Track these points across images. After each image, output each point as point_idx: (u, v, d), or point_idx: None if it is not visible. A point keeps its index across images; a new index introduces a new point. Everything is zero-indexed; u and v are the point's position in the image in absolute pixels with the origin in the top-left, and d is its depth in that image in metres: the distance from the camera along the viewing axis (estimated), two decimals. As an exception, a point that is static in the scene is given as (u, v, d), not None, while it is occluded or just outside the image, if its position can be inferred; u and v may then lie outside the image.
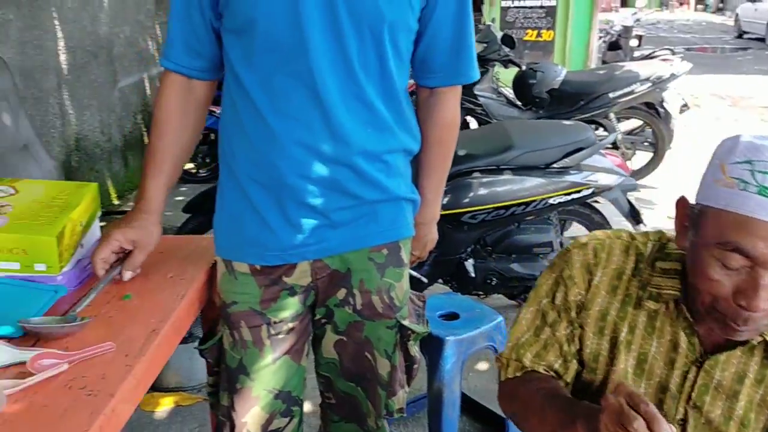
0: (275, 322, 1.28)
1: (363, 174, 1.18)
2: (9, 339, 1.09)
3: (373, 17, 1.11)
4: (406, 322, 1.33)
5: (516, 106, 4.77)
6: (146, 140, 5.44)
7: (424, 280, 2.77)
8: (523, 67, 4.84)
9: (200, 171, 5.12)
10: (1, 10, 3.76)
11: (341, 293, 1.29)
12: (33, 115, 3.97)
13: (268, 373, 1.30)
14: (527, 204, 2.65)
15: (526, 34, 6.96)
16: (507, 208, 2.64)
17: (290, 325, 1.29)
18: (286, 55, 1.13)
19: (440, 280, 2.87)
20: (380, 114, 1.19)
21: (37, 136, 3.57)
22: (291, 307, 1.28)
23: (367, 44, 1.14)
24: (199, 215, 2.90)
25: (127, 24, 5.24)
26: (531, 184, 2.65)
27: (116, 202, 4.91)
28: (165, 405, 2.48)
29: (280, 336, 1.29)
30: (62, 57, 4.34)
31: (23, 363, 1.02)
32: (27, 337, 1.11)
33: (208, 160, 5.08)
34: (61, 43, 4.32)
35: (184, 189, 4.83)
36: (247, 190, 1.22)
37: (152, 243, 1.31)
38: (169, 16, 1.27)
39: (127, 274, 1.29)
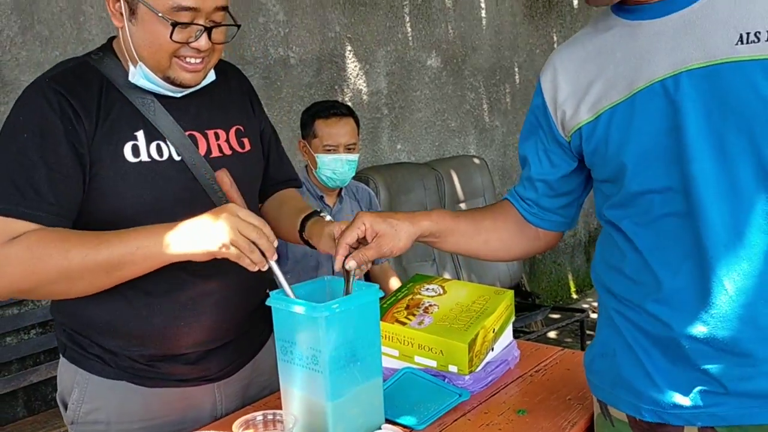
0: None
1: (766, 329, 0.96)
2: (407, 430, 1.21)
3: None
4: None
5: None
6: (611, 237, 5.46)
7: None
8: None
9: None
10: (491, 119, 4.31)
11: None
12: (507, 210, 4.40)
13: None
14: None
15: None
16: None
17: None
18: (666, 196, 1.01)
19: None
20: None
21: (506, 230, 3.93)
22: None
23: (762, 167, 0.95)
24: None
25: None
26: None
27: (575, 296, 5.02)
28: None
29: None
30: (538, 157, 4.72)
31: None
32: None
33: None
34: (539, 145, 4.71)
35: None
36: (620, 328, 1.10)
37: (393, 247, 1.21)
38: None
39: (352, 263, 1.18)
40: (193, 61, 1.21)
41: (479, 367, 1.40)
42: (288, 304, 1.14)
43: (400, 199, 3.37)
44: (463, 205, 3.74)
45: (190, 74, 1.22)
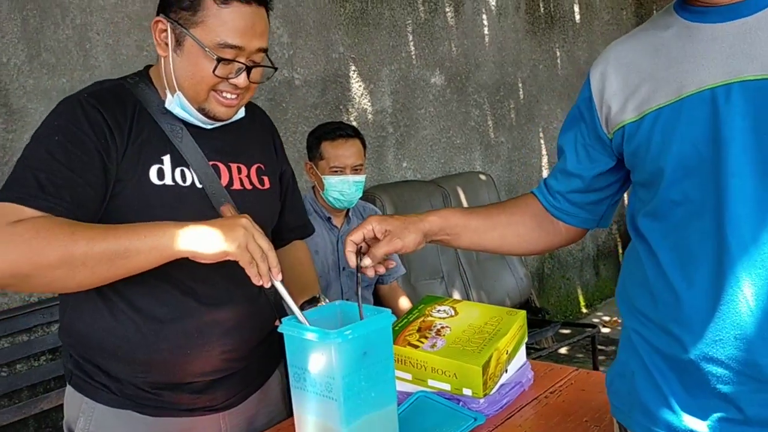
0: None
1: None
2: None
3: None
4: None
5: None
6: (620, 251, 5.44)
7: None
8: None
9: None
10: (496, 135, 4.31)
11: None
12: (514, 225, 4.38)
13: None
14: None
15: None
16: None
17: None
18: (696, 209, 0.98)
19: None
20: None
21: (513, 246, 3.91)
22: None
23: None
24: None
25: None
26: None
27: (584, 310, 4.99)
28: None
29: None
30: (545, 172, 4.71)
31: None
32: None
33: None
34: (545, 160, 4.71)
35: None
36: (638, 349, 1.08)
37: (405, 241, 1.21)
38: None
39: (366, 261, 1.20)
40: (229, 96, 1.27)
41: (493, 390, 1.39)
42: (300, 331, 1.13)
43: (407, 218, 3.36)
44: (470, 222, 3.73)
45: (224, 108, 1.28)
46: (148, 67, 1.37)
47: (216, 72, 1.22)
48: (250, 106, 1.45)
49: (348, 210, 2.53)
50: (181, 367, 1.30)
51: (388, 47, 3.62)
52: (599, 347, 3.76)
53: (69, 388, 1.36)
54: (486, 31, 4.22)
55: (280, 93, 3.14)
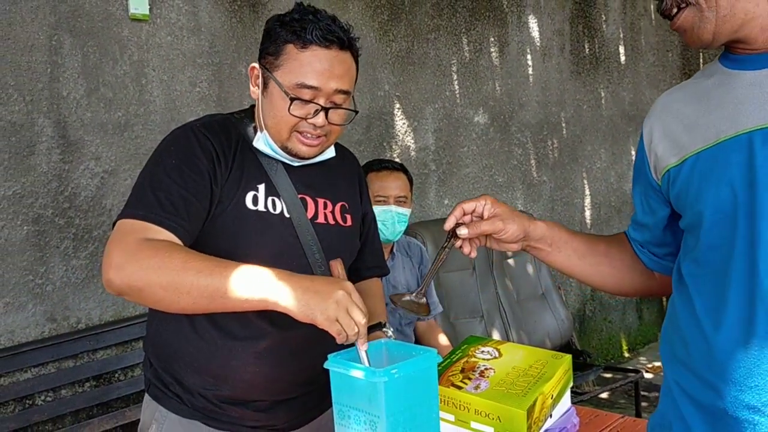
0: None
1: None
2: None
3: None
4: None
5: None
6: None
7: None
8: None
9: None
10: (539, 174, 4.30)
11: None
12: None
13: None
14: None
15: None
16: None
17: None
18: (731, 252, 0.97)
19: None
20: None
21: (554, 286, 3.87)
22: None
23: None
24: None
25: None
26: None
27: (627, 354, 4.88)
28: None
29: None
30: (587, 213, 4.67)
31: None
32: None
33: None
34: (587, 200, 4.67)
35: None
36: (676, 399, 1.06)
37: (507, 231, 1.22)
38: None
39: (464, 230, 1.23)
40: (310, 136, 1.34)
41: (538, 435, 1.36)
42: (346, 368, 1.14)
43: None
44: (511, 261, 3.71)
45: (305, 148, 1.35)
46: (254, 106, 1.47)
47: (291, 111, 1.28)
48: (341, 149, 1.54)
49: (392, 245, 2.54)
50: (248, 384, 1.37)
51: (432, 86, 3.66)
52: (642, 393, 3.67)
53: (147, 396, 1.47)
54: (530, 71, 4.24)
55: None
